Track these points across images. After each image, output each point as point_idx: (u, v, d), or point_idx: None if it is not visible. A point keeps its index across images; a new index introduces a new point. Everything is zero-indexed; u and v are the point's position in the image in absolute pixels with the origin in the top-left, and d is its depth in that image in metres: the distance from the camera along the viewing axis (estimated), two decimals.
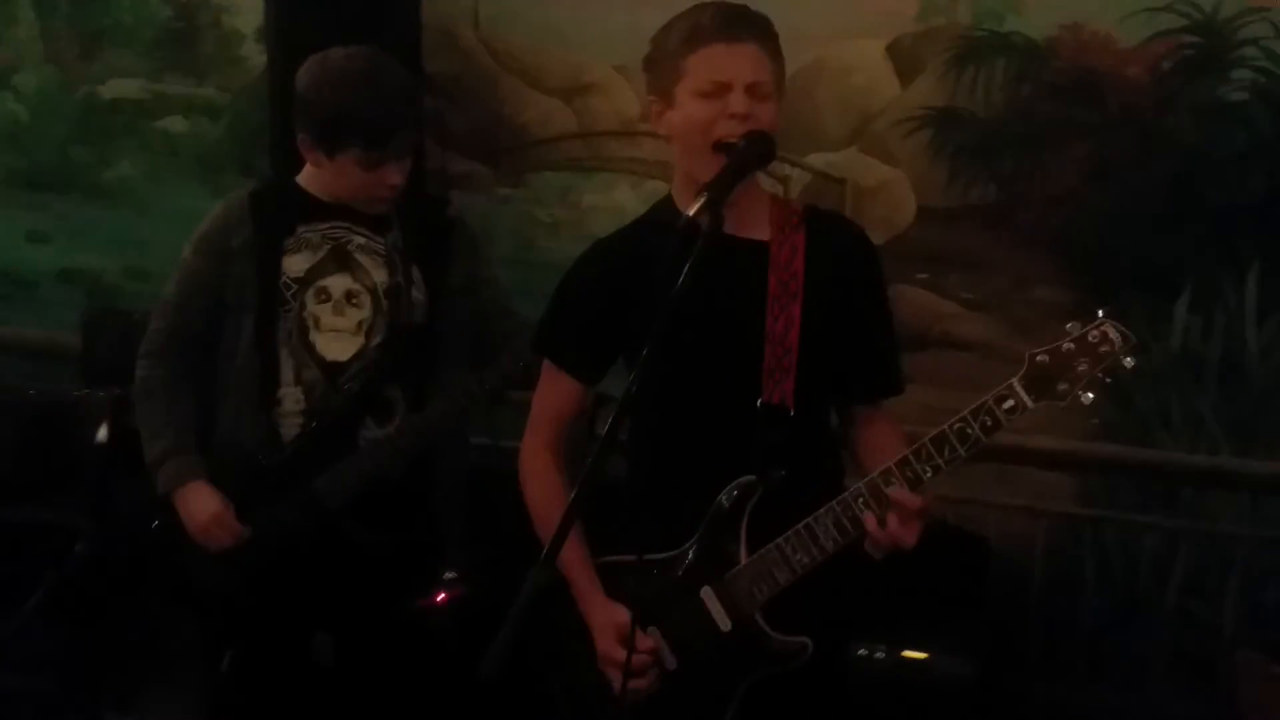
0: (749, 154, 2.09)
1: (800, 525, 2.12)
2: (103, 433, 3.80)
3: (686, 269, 1.93)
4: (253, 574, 2.78)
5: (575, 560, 2.25)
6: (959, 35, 3.64)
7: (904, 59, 3.72)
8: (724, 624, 2.18)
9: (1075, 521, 3.75)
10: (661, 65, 2.19)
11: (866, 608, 2.45)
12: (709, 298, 2.10)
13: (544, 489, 2.35)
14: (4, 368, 4.82)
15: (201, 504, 2.76)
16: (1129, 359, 1.91)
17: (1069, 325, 1.95)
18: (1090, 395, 1.93)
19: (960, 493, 3.68)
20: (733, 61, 2.12)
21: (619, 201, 4.04)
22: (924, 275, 3.73)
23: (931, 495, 2.07)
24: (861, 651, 3.13)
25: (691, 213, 1.97)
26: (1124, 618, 3.72)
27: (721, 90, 2.11)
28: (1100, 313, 1.92)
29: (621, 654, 2.14)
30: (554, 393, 2.37)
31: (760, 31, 2.16)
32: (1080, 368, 1.91)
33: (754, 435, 2.17)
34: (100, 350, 4.35)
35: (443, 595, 3.31)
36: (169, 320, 2.84)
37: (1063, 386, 1.92)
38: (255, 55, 4.33)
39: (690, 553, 2.22)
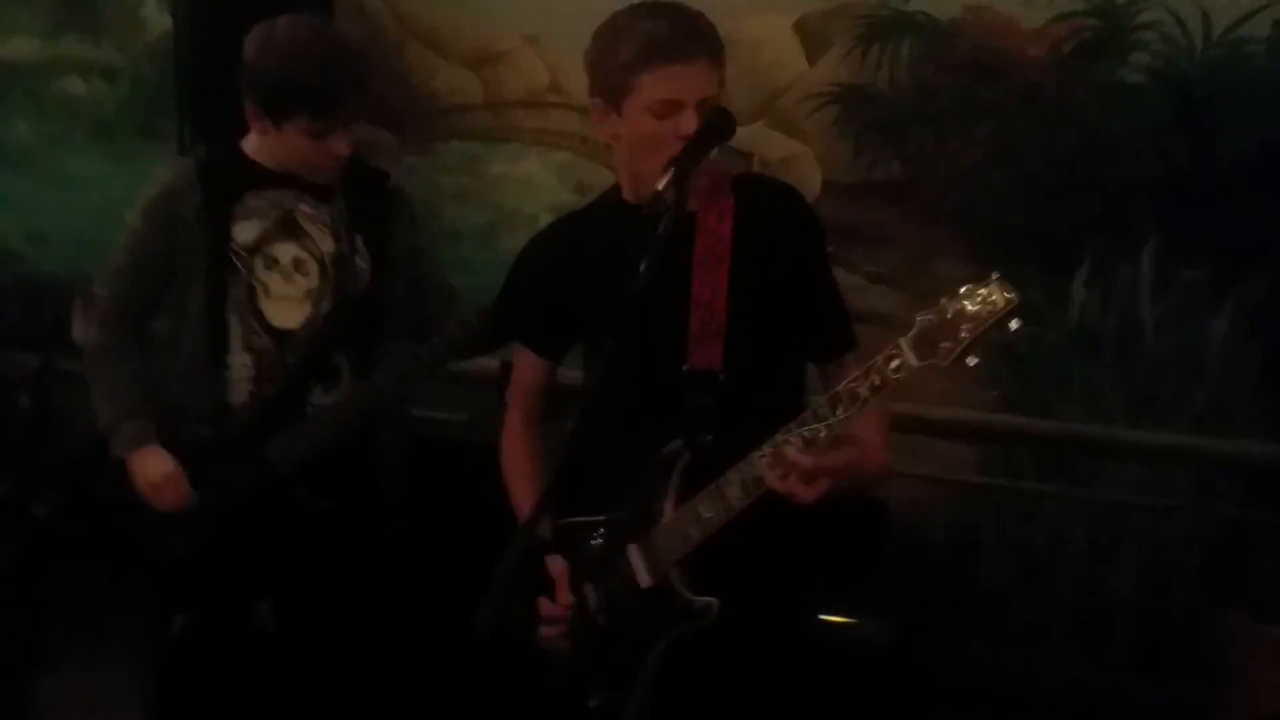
0: (711, 131, 2.14)
1: (711, 484, 2.16)
2: (25, 400, 3.75)
3: (656, 250, 2.02)
4: (204, 538, 2.81)
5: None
6: (865, 13, 3.67)
7: (811, 36, 3.73)
8: (644, 580, 2.24)
9: (975, 490, 3.82)
10: (609, 74, 2.20)
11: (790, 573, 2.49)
12: (635, 269, 2.13)
13: (513, 451, 2.52)
14: None
15: (154, 465, 2.78)
16: (1014, 322, 1.89)
17: (962, 288, 1.94)
18: (973, 359, 1.92)
19: None
20: (686, 82, 2.15)
21: (526, 171, 4.02)
22: (829, 249, 3.75)
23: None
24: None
25: (660, 186, 2.05)
26: (1023, 585, 3.80)
27: (673, 109, 2.15)
28: (994, 275, 1.90)
29: (549, 605, 2.30)
30: (524, 366, 2.51)
31: (710, 46, 2.18)
32: (964, 328, 1.90)
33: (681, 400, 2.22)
34: (6, 315, 4.29)
35: None
36: (120, 287, 2.84)
37: (946, 345, 1.91)
38: (155, 16, 4.24)
39: (621, 513, 2.28)
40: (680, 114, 2.15)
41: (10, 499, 3.62)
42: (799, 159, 3.81)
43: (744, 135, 3.81)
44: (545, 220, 2.09)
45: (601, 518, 2.33)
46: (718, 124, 2.15)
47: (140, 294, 2.85)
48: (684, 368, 2.22)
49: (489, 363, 3.10)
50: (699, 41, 2.16)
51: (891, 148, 3.71)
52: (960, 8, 3.59)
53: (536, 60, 4.00)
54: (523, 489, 2.46)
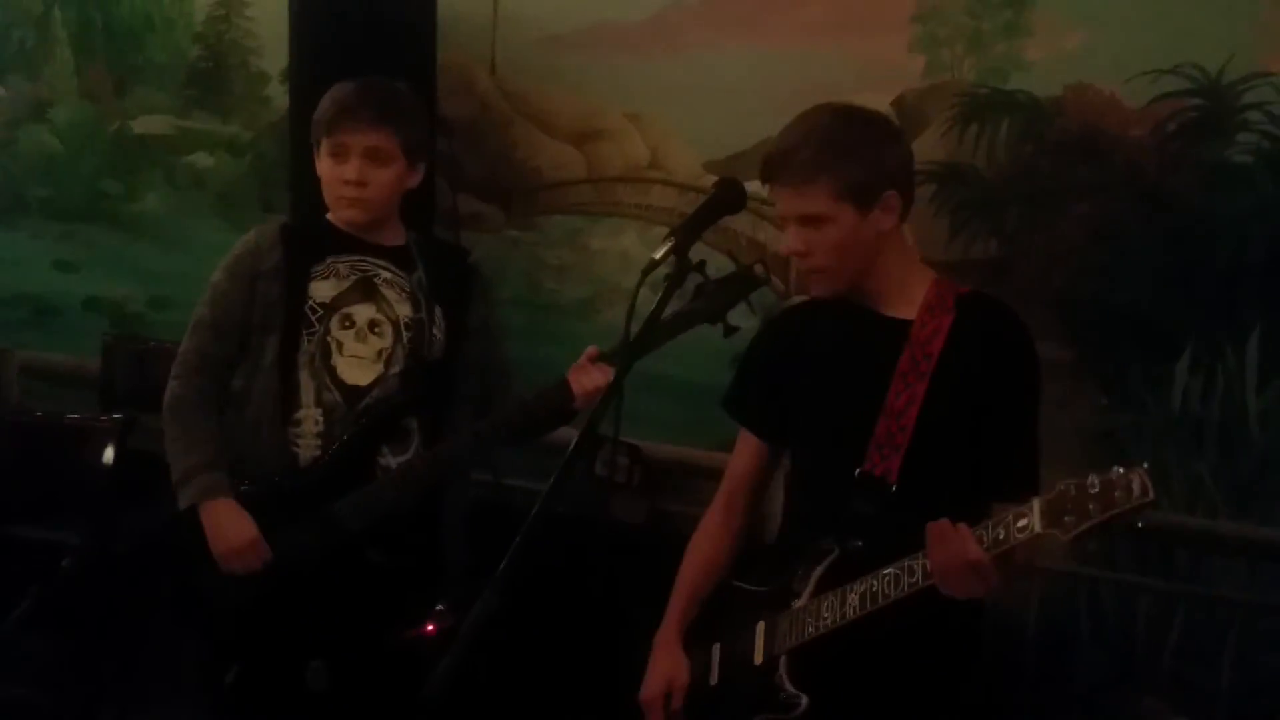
0: (716, 202, 2.15)
1: (839, 588, 2.12)
2: (109, 454, 3.73)
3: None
4: (267, 592, 2.71)
5: (681, 593, 2.43)
6: (963, 92, 3.54)
7: (909, 114, 3.59)
8: (757, 658, 2.21)
9: (1071, 580, 3.57)
10: None
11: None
12: (840, 369, 2.24)
13: (692, 544, 2.49)
14: (31, 392, 4.79)
15: (235, 527, 2.70)
16: (1140, 521, 1.79)
17: (1114, 468, 1.81)
18: (1089, 542, 1.90)
19: None
20: (779, 201, 2.22)
21: (626, 246, 3.97)
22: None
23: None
24: None
25: (657, 256, 2.04)
26: (1119, 680, 3.55)
27: (786, 223, 2.24)
28: (1144, 465, 1.78)
29: (657, 706, 2.34)
30: (741, 451, 2.48)
31: (791, 171, 2.19)
32: (1093, 508, 1.79)
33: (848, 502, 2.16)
34: (117, 376, 4.33)
35: (432, 626, 3.23)
36: (200, 340, 2.80)
37: (1070, 519, 1.81)
38: (279, 95, 4.28)
39: (765, 589, 2.29)
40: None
41: (89, 549, 3.58)
42: None
43: None
44: (644, 295, 2.04)
45: (759, 589, 2.32)
46: (724, 196, 2.17)
47: (221, 348, 2.80)
48: (857, 470, 2.15)
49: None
50: (779, 168, 2.20)
51: (988, 227, 3.53)
52: (1061, 87, 3.43)
53: (637, 137, 3.96)
54: (681, 583, 2.45)
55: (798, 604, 2.18)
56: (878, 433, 2.16)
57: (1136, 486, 1.76)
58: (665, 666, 2.36)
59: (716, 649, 2.31)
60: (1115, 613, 3.56)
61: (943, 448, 2.15)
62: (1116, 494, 1.77)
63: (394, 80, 2.82)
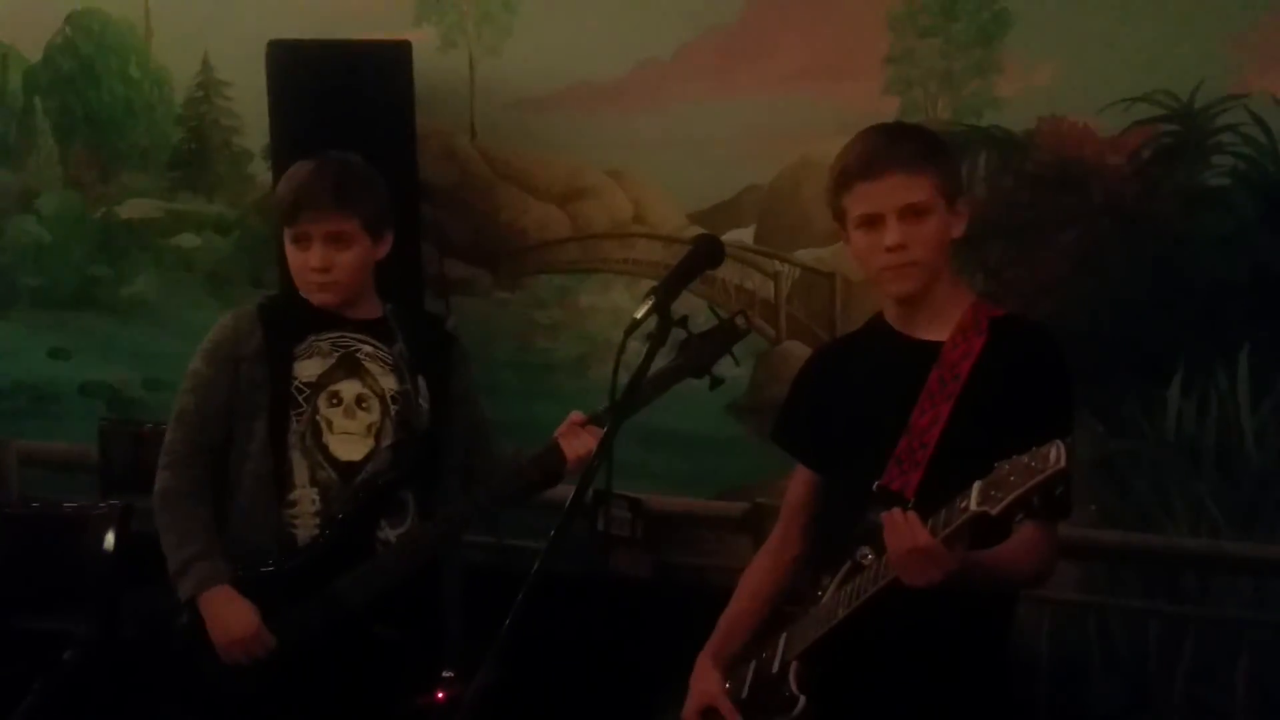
0: (694, 258, 2.14)
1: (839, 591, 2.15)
2: (109, 541, 3.68)
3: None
4: (274, 678, 2.66)
5: (723, 617, 2.47)
6: (939, 131, 3.50)
7: None
8: (774, 666, 2.24)
9: (1079, 609, 3.55)
10: (830, 202, 2.27)
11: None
12: (872, 393, 2.25)
13: (748, 569, 2.52)
14: (32, 481, 4.74)
15: (237, 616, 2.64)
16: (1059, 489, 1.80)
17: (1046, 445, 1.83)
18: (1020, 516, 1.84)
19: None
20: (879, 198, 2.15)
21: (615, 301, 3.97)
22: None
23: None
24: None
25: (639, 315, 2.03)
26: (1134, 706, 3.52)
27: (876, 222, 2.16)
28: (1066, 440, 1.79)
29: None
30: (793, 483, 2.49)
31: (901, 156, 2.16)
32: (1013, 479, 1.81)
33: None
34: (116, 460, 4.29)
35: (441, 694, 3.19)
36: (187, 429, 2.75)
37: (996, 495, 1.83)
38: (262, 172, 4.26)
39: (795, 605, 2.31)
40: (883, 227, 2.16)
41: (93, 637, 3.53)
42: None
43: (826, 256, 3.73)
44: (634, 349, 2.01)
45: (791, 607, 2.34)
46: (702, 252, 2.15)
47: (209, 435, 2.76)
48: (874, 484, 2.13)
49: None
50: (886, 158, 2.16)
51: (974, 261, 3.49)
52: (1035, 119, 3.44)
53: (620, 193, 3.97)
54: (732, 609, 2.47)
55: (811, 611, 2.20)
56: (899, 449, 2.16)
57: (1053, 456, 1.78)
58: (697, 685, 2.40)
59: (751, 665, 2.33)
60: (1126, 640, 3.53)
61: (962, 466, 2.07)
62: (1033, 464, 1.80)
63: (350, 154, 2.78)
